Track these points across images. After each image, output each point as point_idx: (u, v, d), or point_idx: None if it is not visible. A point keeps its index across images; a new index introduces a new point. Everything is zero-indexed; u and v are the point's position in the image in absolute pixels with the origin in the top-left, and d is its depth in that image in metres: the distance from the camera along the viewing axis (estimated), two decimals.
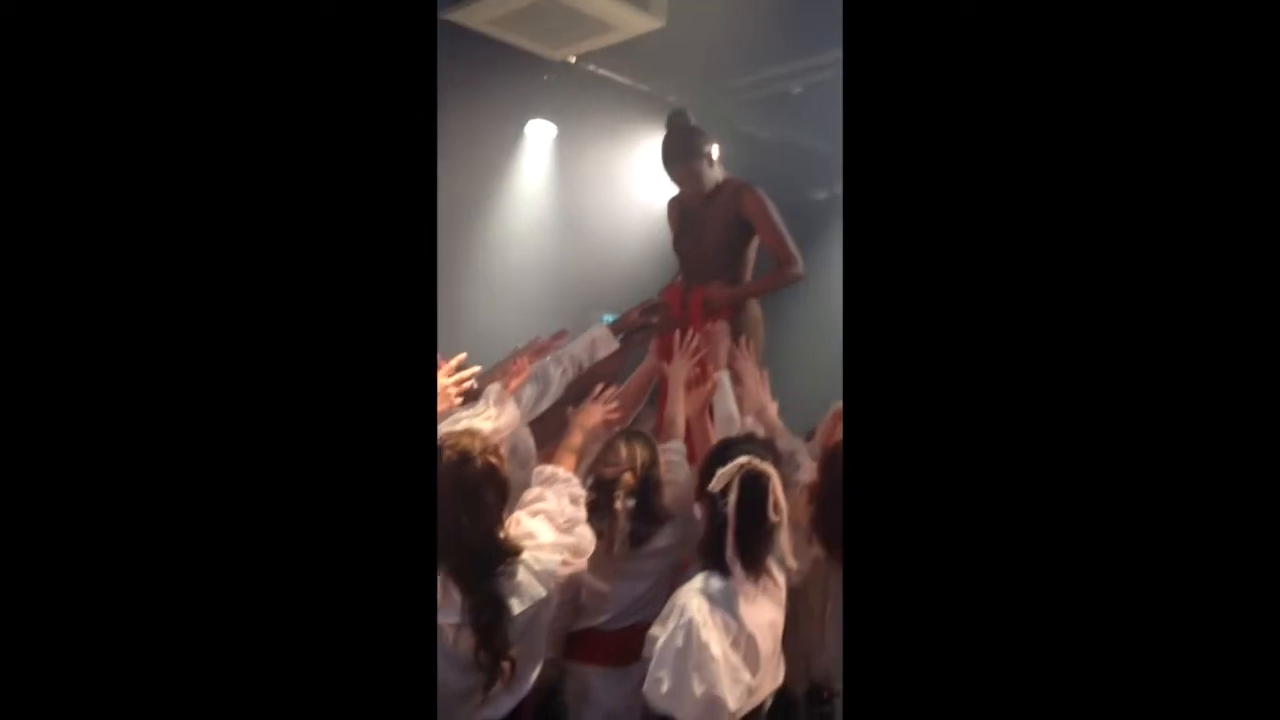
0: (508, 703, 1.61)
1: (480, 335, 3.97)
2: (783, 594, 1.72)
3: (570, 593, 1.89)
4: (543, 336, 2.35)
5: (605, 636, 1.92)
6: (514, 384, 2.08)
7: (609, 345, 2.37)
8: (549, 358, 2.29)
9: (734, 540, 1.61)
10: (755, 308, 2.93)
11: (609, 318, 4.44)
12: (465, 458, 1.56)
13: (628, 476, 1.95)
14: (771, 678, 1.66)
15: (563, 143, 4.64)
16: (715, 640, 1.51)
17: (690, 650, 1.50)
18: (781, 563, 1.71)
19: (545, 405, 2.23)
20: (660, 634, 1.55)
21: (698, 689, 1.47)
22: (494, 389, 2.02)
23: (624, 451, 2.01)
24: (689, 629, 1.51)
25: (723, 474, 1.64)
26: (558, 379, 2.25)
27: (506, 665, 1.57)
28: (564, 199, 4.62)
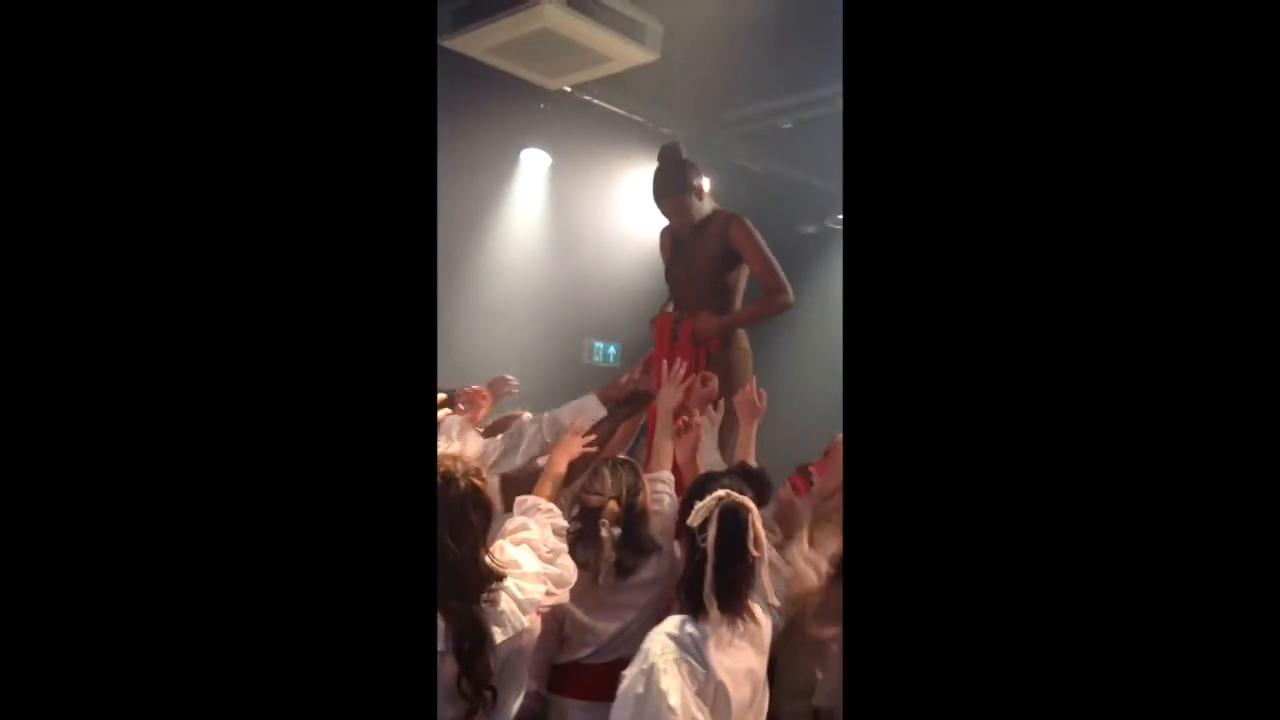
0: None
1: (474, 361, 3.98)
2: (766, 637, 1.67)
3: (553, 624, 1.86)
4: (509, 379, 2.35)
5: (588, 670, 1.88)
6: (477, 415, 2.06)
7: (596, 413, 2.34)
8: (529, 417, 2.29)
9: (712, 577, 1.55)
10: (744, 340, 2.95)
11: (600, 344, 4.46)
12: (449, 479, 1.56)
13: (613, 504, 1.92)
14: None
15: (557, 172, 4.68)
16: (675, 689, 1.44)
17: (649, 698, 1.44)
18: (765, 600, 1.67)
19: (515, 462, 2.19)
20: (626, 675, 1.50)
21: None
22: (455, 421, 2.00)
23: (609, 479, 1.98)
24: (649, 675, 1.45)
25: (701, 508, 1.60)
26: (530, 436, 2.21)
27: (488, 694, 1.55)
28: (557, 227, 4.65)
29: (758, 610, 1.64)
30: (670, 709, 1.42)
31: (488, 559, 1.60)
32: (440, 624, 1.52)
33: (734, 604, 1.58)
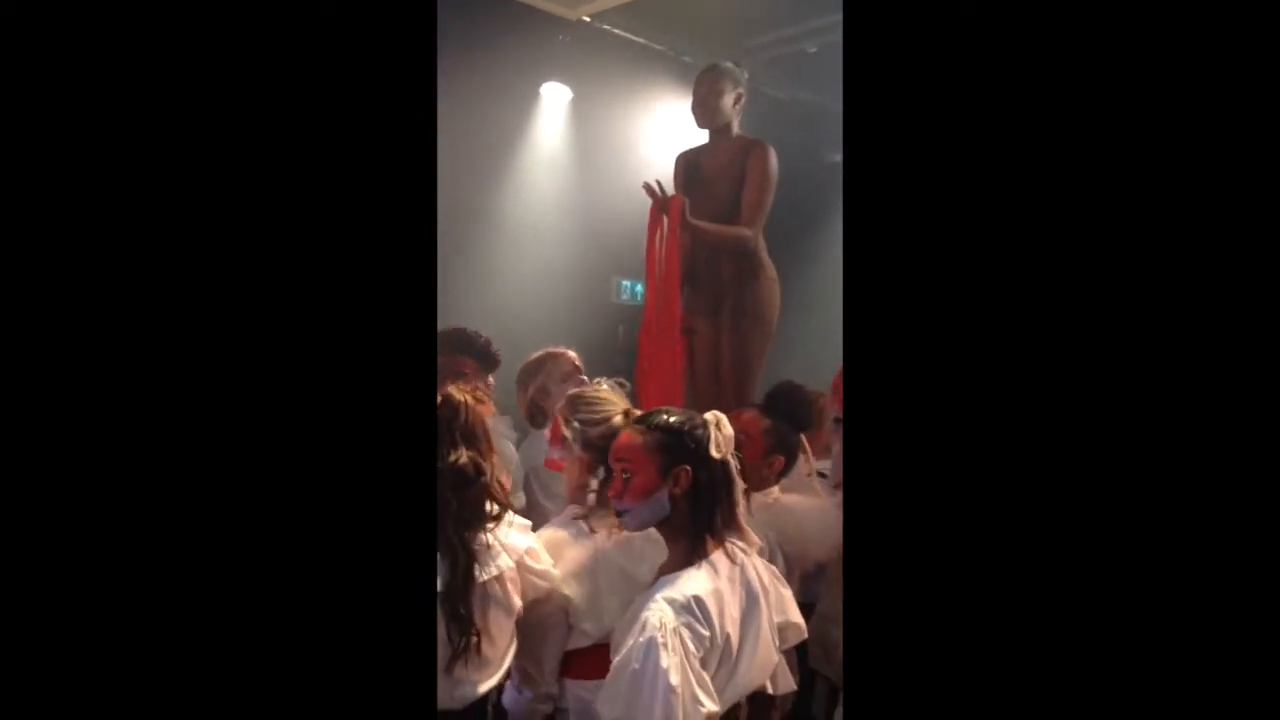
0: (479, 680, 1.55)
1: (500, 304, 3.98)
2: (755, 565, 1.52)
3: (559, 617, 1.68)
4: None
5: (602, 649, 1.62)
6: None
7: None
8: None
9: (707, 518, 1.46)
10: (771, 270, 2.96)
11: (628, 283, 4.43)
12: (456, 405, 1.60)
13: (619, 419, 1.67)
14: (760, 669, 1.47)
15: (578, 104, 4.59)
16: (676, 666, 1.30)
17: (644, 674, 1.30)
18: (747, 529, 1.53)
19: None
20: (622, 647, 1.36)
21: None
22: None
23: (601, 398, 1.74)
24: (647, 650, 1.31)
25: (723, 440, 1.47)
26: None
27: (474, 639, 1.52)
28: (581, 162, 4.58)
29: (740, 544, 1.51)
30: (671, 688, 1.28)
31: (499, 490, 1.60)
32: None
33: (725, 540, 1.48)
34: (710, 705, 1.31)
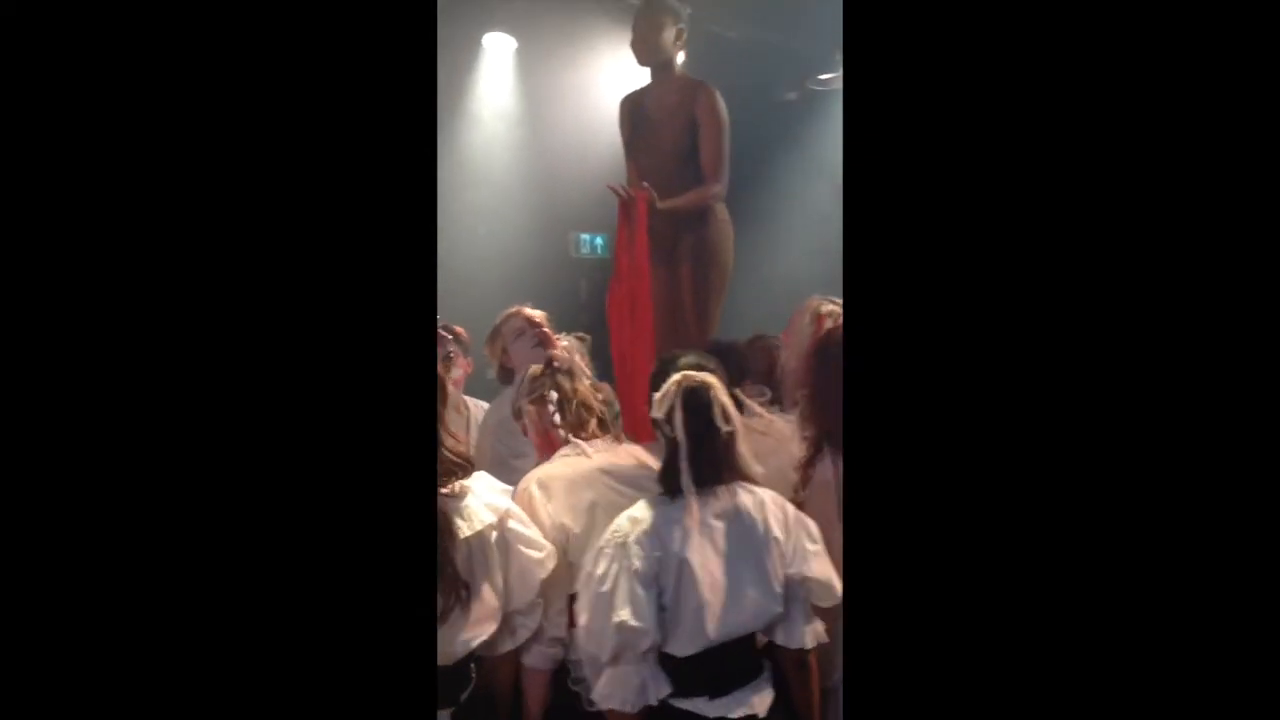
0: (469, 636, 1.55)
1: (458, 264, 3.88)
2: (756, 506, 1.55)
3: (562, 570, 1.71)
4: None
5: None
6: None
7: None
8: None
9: (688, 463, 1.50)
10: (723, 211, 2.91)
11: (586, 236, 4.35)
12: None
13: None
14: (752, 612, 1.51)
15: (524, 55, 4.46)
16: (610, 575, 1.46)
17: (593, 575, 1.47)
18: (750, 469, 1.58)
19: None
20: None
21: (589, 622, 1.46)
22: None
23: (535, 373, 1.94)
24: (598, 554, 1.49)
25: (661, 397, 1.52)
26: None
27: (463, 591, 1.53)
28: (529, 114, 4.46)
29: (740, 487, 1.56)
30: (600, 593, 1.44)
31: (451, 442, 1.58)
32: None
33: (714, 483, 1.53)
34: (624, 616, 1.42)
